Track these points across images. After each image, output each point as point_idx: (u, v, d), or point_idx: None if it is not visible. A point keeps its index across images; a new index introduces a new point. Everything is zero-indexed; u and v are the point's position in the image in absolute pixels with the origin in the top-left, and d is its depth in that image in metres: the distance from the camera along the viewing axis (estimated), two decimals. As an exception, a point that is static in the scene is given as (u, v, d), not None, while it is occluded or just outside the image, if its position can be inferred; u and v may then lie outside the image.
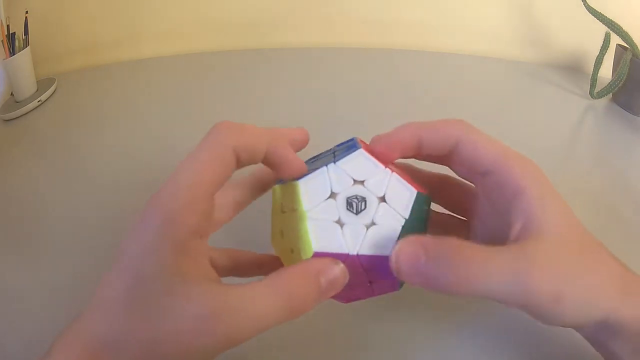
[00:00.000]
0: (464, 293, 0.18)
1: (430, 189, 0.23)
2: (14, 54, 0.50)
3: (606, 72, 0.54)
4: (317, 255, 0.20)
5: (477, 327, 0.27)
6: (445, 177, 0.27)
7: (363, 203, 0.21)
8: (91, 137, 0.46)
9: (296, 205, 0.21)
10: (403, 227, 0.21)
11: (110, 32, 0.63)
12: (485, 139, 0.22)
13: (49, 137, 0.47)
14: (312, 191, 0.21)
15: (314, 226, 0.20)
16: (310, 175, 0.21)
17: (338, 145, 0.25)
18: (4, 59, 0.50)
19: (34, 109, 0.51)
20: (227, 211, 0.23)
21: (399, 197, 0.21)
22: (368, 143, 0.24)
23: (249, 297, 0.17)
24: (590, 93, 0.54)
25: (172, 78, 0.59)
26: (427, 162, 0.25)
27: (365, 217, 0.20)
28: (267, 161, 0.21)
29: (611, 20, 0.50)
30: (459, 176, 0.25)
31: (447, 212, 0.28)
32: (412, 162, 0.25)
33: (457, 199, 0.26)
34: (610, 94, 0.53)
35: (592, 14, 0.51)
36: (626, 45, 0.51)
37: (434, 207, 0.25)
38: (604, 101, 0.55)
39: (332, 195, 0.21)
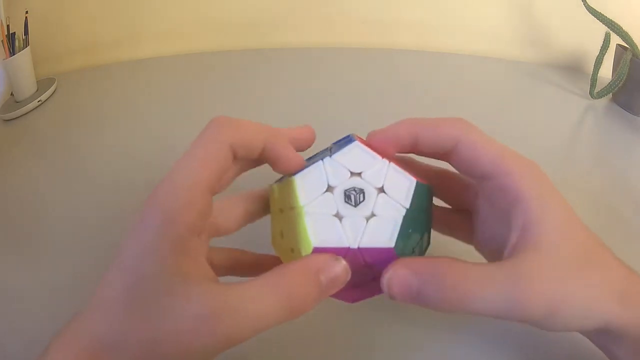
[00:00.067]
0: (458, 312, 0.18)
1: (430, 183, 0.23)
2: (14, 54, 0.50)
3: (606, 72, 0.54)
4: (317, 250, 0.19)
5: (478, 327, 0.27)
6: (446, 172, 0.26)
7: (361, 195, 0.20)
8: (91, 137, 0.46)
9: (293, 203, 0.20)
10: (404, 217, 0.20)
11: (110, 32, 0.63)
12: (485, 140, 0.21)
13: (49, 137, 0.47)
14: (308, 186, 0.20)
15: (312, 221, 0.20)
16: (306, 170, 0.21)
17: (335, 143, 0.25)
18: (4, 59, 0.50)
19: (34, 109, 0.51)
20: (236, 221, 0.23)
21: (398, 187, 0.21)
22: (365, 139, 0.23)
23: (249, 296, 0.17)
24: (590, 93, 0.54)
25: (172, 78, 0.59)
26: (426, 157, 0.24)
27: (364, 209, 0.20)
28: (264, 157, 0.21)
29: (611, 20, 0.50)
30: (460, 172, 0.24)
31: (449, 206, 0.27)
32: (412, 155, 0.25)
33: (459, 194, 0.26)
34: (610, 94, 0.53)
35: (592, 14, 0.51)
36: (626, 45, 0.51)
37: (437, 202, 0.25)
38: (604, 101, 0.55)
39: (329, 188, 0.20)
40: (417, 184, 0.21)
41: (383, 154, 0.22)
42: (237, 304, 0.17)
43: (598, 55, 0.53)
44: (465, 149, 0.21)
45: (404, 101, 0.52)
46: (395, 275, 0.19)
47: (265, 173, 0.23)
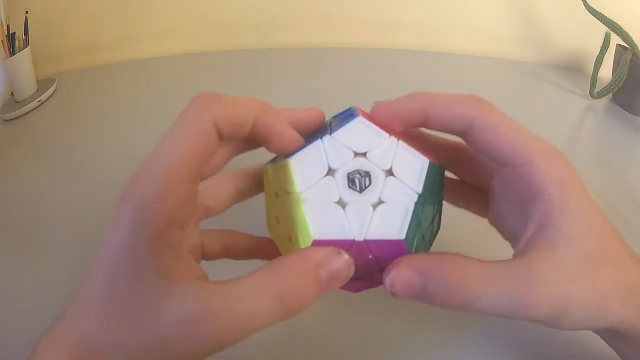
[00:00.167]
0: (462, 311, 0.18)
1: (443, 159, 0.21)
2: (14, 54, 0.50)
3: (606, 72, 0.54)
4: (317, 243, 0.17)
5: (479, 327, 0.27)
6: (460, 146, 0.23)
7: (367, 179, 0.18)
8: (91, 137, 0.46)
9: (289, 187, 0.18)
10: (416, 203, 0.18)
11: (110, 32, 0.63)
12: (504, 122, 0.19)
13: (49, 137, 0.47)
14: (306, 169, 0.18)
15: (311, 210, 0.17)
16: (302, 151, 0.18)
17: (334, 117, 0.22)
18: (4, 59, 0.50)
19: (34, 109, 0.51)
20: (227, 200, 0.22)
21: (408, 168, 0.18)
22: (368, 112, 0.21)
23: (239, 296, 0.16)
24: (590, 93, 0.54)
25: (172, 78, 0.59)
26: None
27: (370, 195, 0.18)
28: (255, 134, 0.19)
29: (611, 20, 0.50)
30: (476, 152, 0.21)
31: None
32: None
33: (473, 172, 0.23)
34: (610, 94, 0.53)
35: (592, 14, 0.51)
36: (626, 45, 0.51)
37: (449, 174, 0.23)
38: (604, 101, 0.55)
39: (330, 171, 0.18)
40: (430, 165, 0.19)
41: (390, 130, 0.19)
42: (226, 304, 0.16)
43: (598, 55, 0.53)
44: (482, 132, 0.19)
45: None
46: (399, 277, 0.18)
47: (262, 154, 0.21)
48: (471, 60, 0.64)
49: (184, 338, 0.15)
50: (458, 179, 0.25)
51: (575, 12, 0.54)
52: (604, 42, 0.52)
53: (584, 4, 0.52)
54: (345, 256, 0.17)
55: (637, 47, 0.50)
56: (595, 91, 0.53)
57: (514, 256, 0.20)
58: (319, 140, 0.18)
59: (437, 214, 0.20)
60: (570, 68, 0.64)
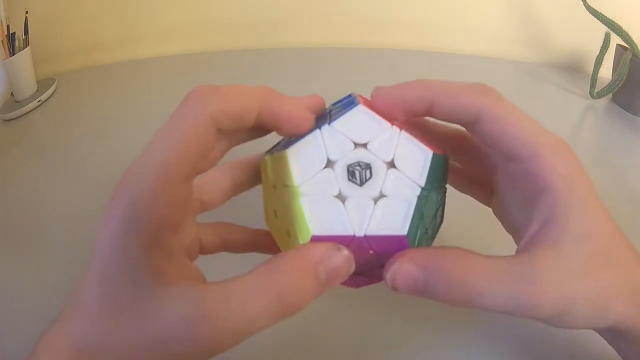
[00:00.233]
0: (464, 306, 0.17)
1: (447, 149, 0.20)
2: (14, 54, 0.50)
3: (606, 72, 0.54)
4: (316, 239, 0.17)
5: (479, 326, 0.27)
6: (464, 135, 0.23)
7: (368, 171, 0.17)
8: (91, 137, 0.46)
9: (287, 180, 0.17)
10: (419, 197, 0.17)
11: (110, 32, 0.63)
12: (515, 115, 0.18)
13: (49, 137, 0.47)
14: (304, 161, 0.17)
15: (310, 204, 0.17)
16: (300, 142, 0.17)
17: (334, 104, 0.21)
18: (4, 59, 0.50)
19: (34, 109, 0.51)
20: (223, 193, 0.21)
21: (411, 160, 0.18)
22: (369, 99, 0.20)
23: (236, 297, 0.15)
24: (590, 93, 0.54)
25: (172, 78, 0.59)
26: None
27: (371, 189, 0.17)
28: (262, 123, 0.18)
29: (611, 20, 0.50)
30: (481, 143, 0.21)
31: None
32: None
33: (478, 162, 0.23)
34: (610, 94, 0.53)
35: (592, 14, 0.51)
36: (626, 45, 0.51)
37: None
38: (604, 101, 0.55)
39: (329, 163, 0.17)
40: (434, 156, 0.18)
41: (391, 118, 0.18)
42: (224, 305, 0.15)
43: (598, 55, 0.53)
44: (489, 123, 0.18)
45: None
46: (400, 270, 0.17)
47: (259, 142, 0.21)
48: (471, 60, 0.64)
49: (181, 340, 0.15)
50: (461, 168, 0.24)
51: (575, 12, 0.54)
52: (604, 42, 0.52)
53: (584, 4, 0.52)
54: (345, 252, 0.17)
55: (637, 47, 0.50)
56: (595, 91, 0.53)
57: (517, 252, 0.20)
58: (317, 130, 0.18)
59: (441, 207, 0.20)
60: (570, 68, 0.64)
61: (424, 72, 0.60)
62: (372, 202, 0.17)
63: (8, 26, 0.50)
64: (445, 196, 0.20)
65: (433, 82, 0.19)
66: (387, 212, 0.17)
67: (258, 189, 0.22)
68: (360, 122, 0.18)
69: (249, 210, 0.23)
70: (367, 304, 0.25)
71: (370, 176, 0.17)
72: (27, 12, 0.52)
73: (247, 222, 0.23)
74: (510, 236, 0.22)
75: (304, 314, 0.17)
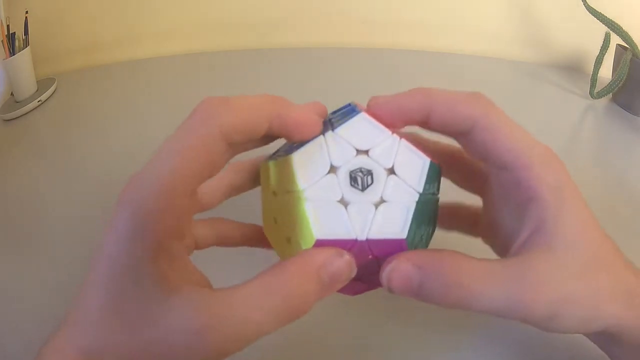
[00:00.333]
0: (459, 308, 0.18)
1: (438, 163, 0.21)
2: (14, 54, 0.50)
3: (606, 72, 0.54)
4: (320, 243, 0.17)
5: (477, 329, 0.27)
6: (454, 149, 0.23)
7: (369, 177, 0.18)
8: (91, 137, 0.46)
9: (290, 186, 0.18)
10: (417, 203, 0.18)
11: (110, 32, 0.63)
12: (507, 125, 0.19)
13: (49, 137, 0.47)
14: (308, 166, 0.17)
15: (314, 209, 0.17)
16: (304, 148, 0.18)
17: (333, 113, 0.21)
18: (4, 59, 0.50)
19: (34, 109, 0.51)
20: (221, 195, 0.21)
21: (410, 167, 0.18)
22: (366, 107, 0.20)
23: (241, 304, 0.16)
24: (590, 93, 0.54)
25: (172, 78, 0.59)
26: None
27: (372, 194, 0.18)
28: (272, 132, 0.18)
29: (611, 20, 0.50)
30: (471, 155, 0.21)
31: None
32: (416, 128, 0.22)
33: (467, 176, 0.24)
34: (610, 94, 0.53)
35: (592, 14, 0.51)
36: (626, 45, 0.51)
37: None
38: (604, 101, 0.55)
39: (332, 169, 0.18)
40: (431, 164, 0.19)
41: (391, 127, 0.19)
42: (229, 313, 0.15)
43: (598, 55, 0.53)
44: (482, 133, 0.19)
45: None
46: (397, 269, 0.17)
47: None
48: (471, 60, 0.64)
49: (188, 346, 0.15)
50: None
51: (575, 12, 0.54)
52: (604, 42, 0.52)
53: (584, 4, 0.52)
54: (347, 257, 0.17)
55: (637, 47, 0.50)
56: (595, 91, 0.53)
57: (509, 256, 0.20)
58: (321, 136, 0.18)
59: (435, 215, 0.21)
60: (570, 68, 0.64)
61: (424, 72, 0.60)
62: (373, 207, 0.18)
63: (8, 26, 0.50)
64: (437, 205, 0.21)
65: (430, 92, 0.19)
66: (388, 217, 0.18)
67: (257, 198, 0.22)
68: (362, 129, 0.18)
69: (241, 206, 0.23)
70: (365, 307, 0.25)
71: (372, 182, 0.18)
72: (27, 12, 0.52)
73: (238, 217, 0.23)
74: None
75: (303, 318, 0.17)
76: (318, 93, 0.54)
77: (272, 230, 0.20)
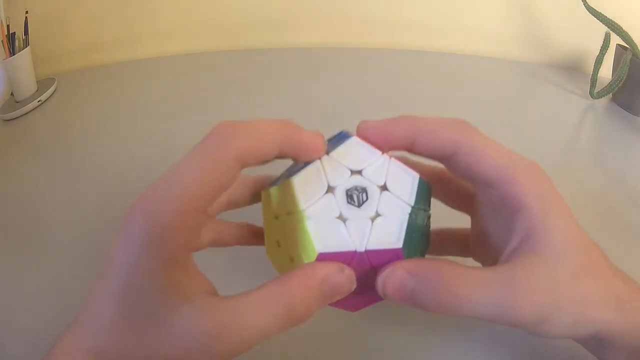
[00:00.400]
0: (451, 315, 0.18)
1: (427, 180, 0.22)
2: (14, 54, 0.50)
3: (606, 72, 0.54)
4: (322, 256, 0.18)
5: (476, 332, 0.27)
6: (441, 171, 0.24)
7: (364, 194, 0.19)
8: (91, 137, 0.46)
9: (291, 207, 0.19)
10: (410, 214, 0.19)
11: (110, 32, 0.63)
12: (489, 146, 0.20)
13: (49, 137, 0.47)
14: (307, 189, 0.19)
15: (315, 225, 0.18)
16: (302, 172, 0.19)
17: (328, 140, 0.23)
18: (4, 59, 0.50)
19: (34, 109, 0.51)
20: (217, 209, 0.22)
21: (401, 183, 0.20)
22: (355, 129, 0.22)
23: (249, 310, 0.17)
24: (590, 93, 0.54)
25: (172, 78, 0.59)
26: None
27: (368, 210, 0.19)
28: (284, 155, 0.19)
29: (611, 20, 0.50)
30: (458, 176, 0.22)
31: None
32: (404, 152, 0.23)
33: (455, 195, 0.25)
34: (610, 94, 0.53)
35: (592, 14, 0.51)
36: (626, 45, 0.51)
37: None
38: (604, 101, 0.55)
39: (330, 189, 0.19)
40: (420, 180, 0.20)
41: (381, 149, 0.21)
42: (237, 319, 0.17)
43: (598, 55, 0.53)
44: (466, 156, 0.20)
45: (404, 101, 0.52)
46: (392, 275, 0.18)
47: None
48: (471, 60, 0.64)
49: (201, 352, 0.16)
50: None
51: (575, 12, 0.54)
52: (604, 42, 0.52)
53: (584, 4, 0.52)
54: (347, 271, 0.18)
55: (637, 47, 0.50)
56: (595, 91, 0.53)
57: (499, 263, 0.20)
58: (317, 161, 0.20)
59: (427, 230, 0.22)
60: (570, 68, 0.64)
61: (424, 72, 0.60)
62: (369, 221, 0.19)
63: (8, 26, 0.50)
64: (430, 221, 0.22)
65: (415, 120, 0.21)
66: (384, 229, 0.19)
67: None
68: (355, 152, 0.20)
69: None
70: (365, 312, 0.25)
71: (367, 199, 0.19)
72: (27, 12, 0.52)
73: (235, 217, 0.24)
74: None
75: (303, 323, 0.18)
76: (318, 93, 0.55)
77: (275, 253, 0.21)
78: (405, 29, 0.66)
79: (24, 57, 0.51)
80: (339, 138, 0.21)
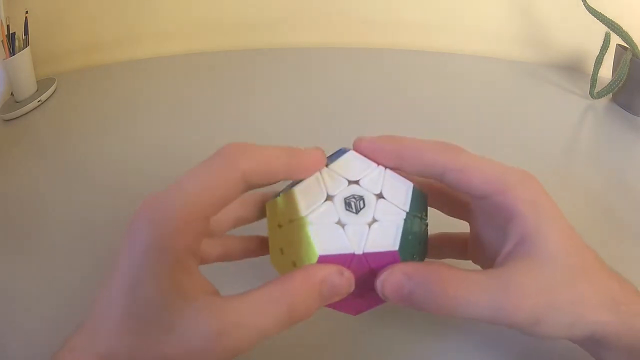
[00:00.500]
0: (448, 316, 0.19)
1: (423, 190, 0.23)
2: (14, 54, 0.50)
3: (606, 72, 0.54)
4: (322, 258, 0.19)
5: (475, 334, 0.27)
6: (437, 183, 0.25)
7: (361, 202, 0.20)
8: (91, 137, 0.46)
9: (294, 215, 0.20)
10: (405, 220, 0.20)
11: (110, 32, 0.63)
12: (476, 162, 0.21)
13: (49, 137, 0.47)
14: (307, 197, 0.20)
15: (316, 230, 0.19)
16: (304, 183, 0.21)
17: (328, 157, 0.24)
18: (4, 59, 0.50)
19: (34, 109, 0.51)
20: (226, 226, 0.23)
21: (396, 191, 0.21)
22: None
23: (250, 310, 0.17)
24: (590, 93, 0.54)
25: (172, 78, 0.59)
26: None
27: (365, 216, 0.20)
28: (287, 177, 0.21)
29: (611, 20, 0.50)
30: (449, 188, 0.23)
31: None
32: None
33: (453, 205, 0.26)
34: (610, 94, 0.53)
35: (592, 14, 0.51)
36: (626, 45, 0.51)
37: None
38: (604, 101, 0.55)
39: (329, 197, 0.20)
40: (414, 188, 0.22)
41: (376, 162, 0.22)
42: (240, 318, 0.17)
43: (598, 55, 0.53)
44: (454, 174, 0.21)
45: (404, 101, 0.52)
46: (390, 277, 0.19)
47: None
48: (471, 60, 0.64)
49: (204, 349, 0.17)
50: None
51: (575, 12, 0.54)
52: (604, 42, 0.52)
53: (584, 4, 0.52)
54: (347, 274, 0.19)
55: (637, 47, 0.50)
56: (595, 91, 0.53)
57: (495, 266, 0.21)
58: (317, 173, 0.21)
59: (425, 237, 0.23)
60: (570, 68, 0.64)
61: (424, 72, 0.60)
62: (367, 227, 0.20)
63: (8, 26, 0.50)
64: (427, 230, 0.23)
65: (399, 141, 0.22)
66: (380, 233, 0.20)
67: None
68: (352, 164, 0.22)
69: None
70: (365, 314, 0.25)
71: (364, 206, 0.20)
72: (27, 12, 0.52)
73: (240, 231, 0.24)
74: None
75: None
76: (318, 93, 0.55)
77: (279, 261, 0.22)
78: (405, 29, 0.66)
79: (24, 57, 0.51)
80: (339, 153, 0.23)
